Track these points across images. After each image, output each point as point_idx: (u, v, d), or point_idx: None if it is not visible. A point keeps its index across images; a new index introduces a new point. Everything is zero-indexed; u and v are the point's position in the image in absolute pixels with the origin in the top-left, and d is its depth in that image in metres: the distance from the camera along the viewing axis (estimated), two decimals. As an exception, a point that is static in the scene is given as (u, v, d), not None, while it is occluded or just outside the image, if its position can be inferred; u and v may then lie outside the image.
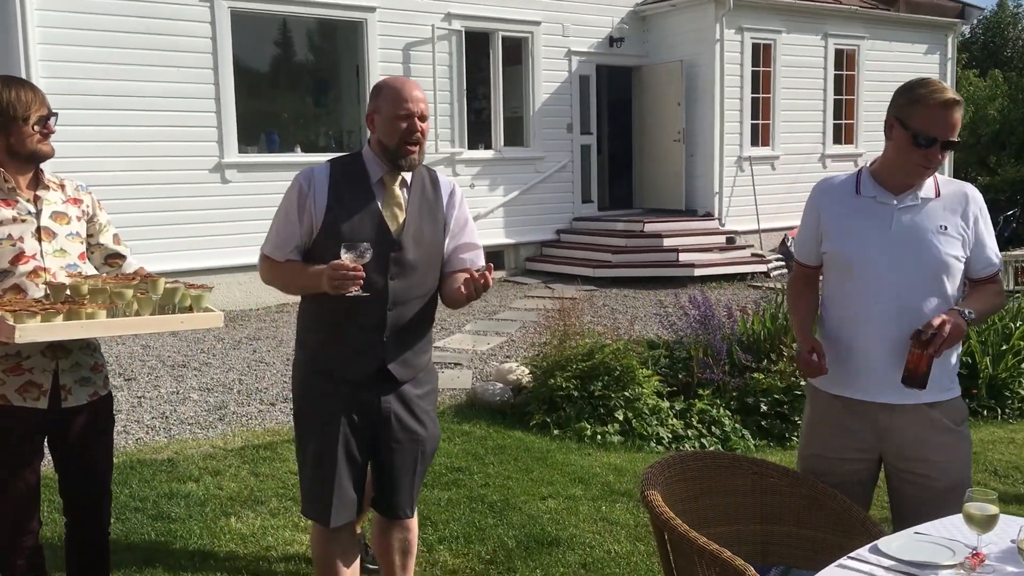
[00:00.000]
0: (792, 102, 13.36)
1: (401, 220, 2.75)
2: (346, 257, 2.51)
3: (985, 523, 2.11)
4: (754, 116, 13.05)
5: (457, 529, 4.10)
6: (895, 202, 2.65)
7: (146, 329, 2.72)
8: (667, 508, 2.51)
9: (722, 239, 12.00)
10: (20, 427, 2.62)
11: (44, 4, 8.55)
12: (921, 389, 2.54)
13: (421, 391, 2.89)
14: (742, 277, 11.52)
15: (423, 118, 2.71)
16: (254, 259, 2.91)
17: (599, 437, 5.45)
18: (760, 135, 13.22)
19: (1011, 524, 2.19)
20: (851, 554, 2.24)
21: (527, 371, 6.16)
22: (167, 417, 5.91)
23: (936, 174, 2.70)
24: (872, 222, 2.66)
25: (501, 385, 6.09)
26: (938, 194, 2.67)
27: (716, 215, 12.53)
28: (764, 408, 5.85)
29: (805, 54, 13.40)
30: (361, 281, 2.54)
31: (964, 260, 2.66)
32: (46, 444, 2.76)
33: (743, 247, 12.06)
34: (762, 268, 11.74)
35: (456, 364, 7.26)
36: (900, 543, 2.25)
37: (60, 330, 2.34)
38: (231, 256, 9.19)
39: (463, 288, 2.65)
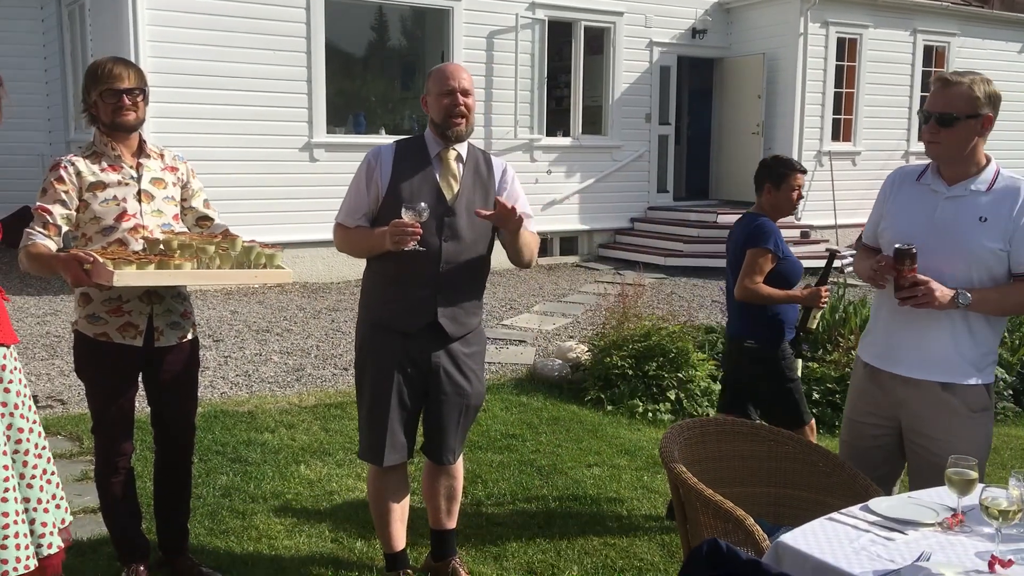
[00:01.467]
0: (876, 98, 13.21)
1: (455, 190, 3.08)
2: (406, 215, 2.84)
3: (963, 487, 2.30)
4: (836, 111, 12.95)
5: (505, 488, 4.41)
6: (944, 190, 2.81)
7: (224, 280, 3.11)
8: (680, 464, 2.76)
9: (796, 233, 11.99)
10: (119, 361, 3.04)
11: (153, -11, 9.16)
12: (912, 299, 2.69)
13: (469, 350, 3.20)
14: (815, 271, 11.48)
15: (465, 93, 3.03)
16: (336, 234, 3.25)
17: (650, 414, 5.69)
18: (841, 130, 13.12)
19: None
20: (842, 510, 2.45)
21: (586, 349, 6.42)
22: (249, 375, 6.39)
23: (1002, 170, 2.83)
24: (920, 207, 2.85)
25: (560, 361, 6.37)
26: (990, 188, 2.79)
27: (792, 209, 12.50)
28: (817, 396, 5.98)
29: (892, 50, 13.22)
30: (419, 236, 2.86)
31: (1005, 253, 2.74)
32: (140, 381, 3.17)
33: (818, 241, 12.03)
34: (836, 263, 11.67)
35: (521, 341, 7.57)
36: (890, 503, 2.46)
37: (151, 277, 2.74)
38: (315, 231, 9.67)
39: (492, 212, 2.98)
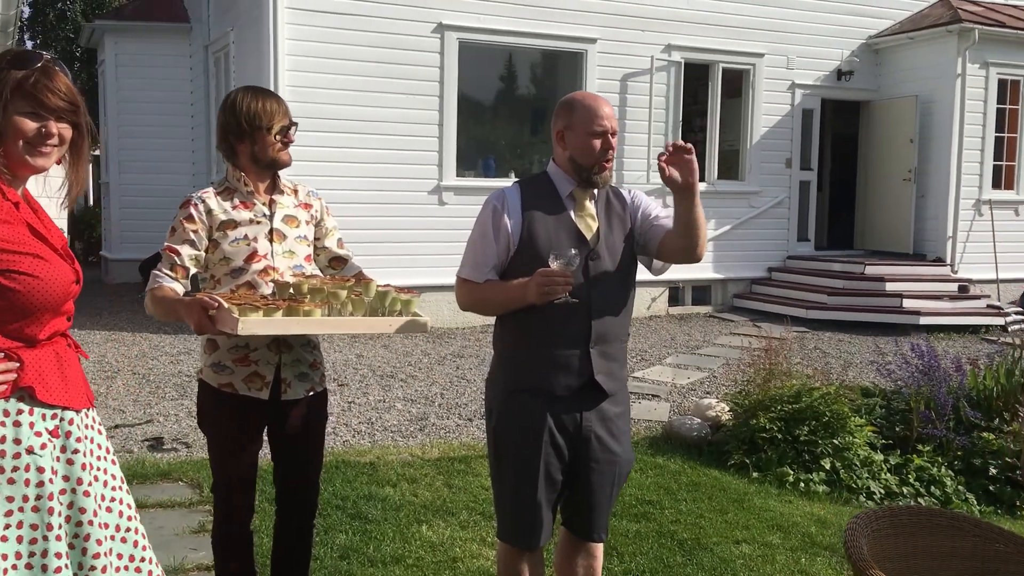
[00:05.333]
0: (1043, 142, 12.22)
1: (595, 229, 2.75)
2: (555, 264, 2.51)
3: None
4: (997, 157, 12.03)
5: (644, 563, 3.99)
6: None
7: (357, 329, 2.85)
8: (871, 561, 2.32)
9: (953, 287, 11.11)
10: (243, 415, 2.82)
11: (295, 35, 9.33)
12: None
13: (619, 410, 2.83)
14: (975, 329, 10.60)
15: (614, 134, 2.71)
16: (463, 279, 2.96)
17: (802, 484, 5.16)
18: (1003, 177, 12.17)
19: None
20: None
21: (727, 408, 5.95)
22: (372, 423, 6.19)
23: None
24: None
25: (699, 420, 5.91)
26: None
27: (948, 261, 11.63)
28: (994, 471, 5.32)
29: (1061, 91, 12.23)
30: (571, 286, 2.54)
31: None
32: (265, 434, 2.94)
33: (978, 297, 11.10)
34: (999, 321, 10.75)
35: (654, 396, 7.14)
36: None
37: (277, 325, 2.49)
38: (442, 275, 9.50)
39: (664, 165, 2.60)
